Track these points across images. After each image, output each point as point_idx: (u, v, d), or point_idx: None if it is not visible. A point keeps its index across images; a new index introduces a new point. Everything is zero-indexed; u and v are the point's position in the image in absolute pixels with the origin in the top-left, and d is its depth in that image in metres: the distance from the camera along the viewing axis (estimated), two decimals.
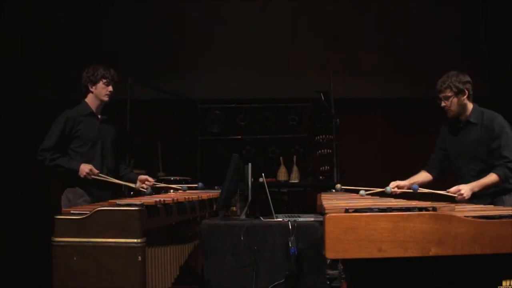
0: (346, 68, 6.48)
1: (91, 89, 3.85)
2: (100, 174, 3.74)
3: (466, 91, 3.59)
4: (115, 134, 3.99)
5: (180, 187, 4.16)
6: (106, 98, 3.86)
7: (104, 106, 3.94)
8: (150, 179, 4.03)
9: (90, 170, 3.69)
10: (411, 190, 3.66)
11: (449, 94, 3.58)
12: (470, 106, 3.63)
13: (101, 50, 6.31)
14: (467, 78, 3.61)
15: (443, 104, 3.62)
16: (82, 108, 3.87)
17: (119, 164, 4.06)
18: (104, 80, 3.83)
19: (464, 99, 3.59)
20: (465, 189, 3.44)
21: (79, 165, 3.69)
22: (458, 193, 3.45)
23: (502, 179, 3.46)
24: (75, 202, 3.66)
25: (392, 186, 3.66)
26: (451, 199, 3.53)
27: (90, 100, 3.88)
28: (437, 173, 3.82)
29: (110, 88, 3.86)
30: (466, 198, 3.43)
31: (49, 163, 3.68)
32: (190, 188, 4.14)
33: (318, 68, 6.36)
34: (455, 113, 3.63)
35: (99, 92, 3.84)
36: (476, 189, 3.46)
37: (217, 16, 6.73)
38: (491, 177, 3.46)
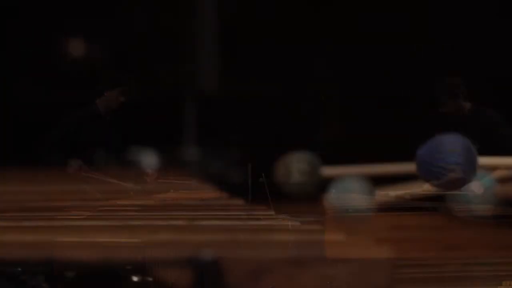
0: None
1: (105, 93, 3.75)
2: (92, 173, 3.64)
3: None
4: (122, 137, 3.89)
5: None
6: (115, 106, 3.76)
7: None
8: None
9: (80, 167, 3.61)
10: None
11: None
12: None
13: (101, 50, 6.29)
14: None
15: None
16: (91, 109, 3.79)
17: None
18: (119, 89, 3.73)
19: None
20: None
21: (69, 161, 3.61)
22: None
23: None
24: None
25: None
26: None
27: (102, 102, 3.78)
28: None
29: (122, 98, 3.75)
30: None
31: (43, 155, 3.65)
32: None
33: None
34: None
35: (111, 98, 3.74)
36: None
37: None
38: None
